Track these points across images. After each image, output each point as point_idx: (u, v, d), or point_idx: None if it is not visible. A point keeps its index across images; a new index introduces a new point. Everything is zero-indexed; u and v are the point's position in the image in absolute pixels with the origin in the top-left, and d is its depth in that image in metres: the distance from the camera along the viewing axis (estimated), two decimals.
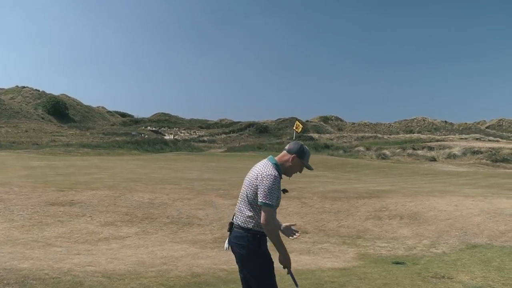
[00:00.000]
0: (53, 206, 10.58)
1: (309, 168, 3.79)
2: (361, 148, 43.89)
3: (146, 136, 60.64)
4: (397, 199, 12.11)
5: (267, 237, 3.68)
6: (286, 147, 3.78)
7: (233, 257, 8.19)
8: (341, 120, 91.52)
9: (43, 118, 68.02)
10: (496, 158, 35.48)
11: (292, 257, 8.55)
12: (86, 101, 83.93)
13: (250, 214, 3.54)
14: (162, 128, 76.77)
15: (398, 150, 41.13)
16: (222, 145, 61.63)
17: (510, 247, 8.75)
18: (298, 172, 3.80)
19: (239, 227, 3.62)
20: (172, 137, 65.18)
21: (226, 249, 3.79)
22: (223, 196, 12.15)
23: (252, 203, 3.54)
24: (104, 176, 16.57)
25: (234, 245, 3.67)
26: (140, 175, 17.23)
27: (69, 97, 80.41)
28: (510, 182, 20.04)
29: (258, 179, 3.51)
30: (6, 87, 78.64)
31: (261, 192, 3.47)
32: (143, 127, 74.97)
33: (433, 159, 36.82)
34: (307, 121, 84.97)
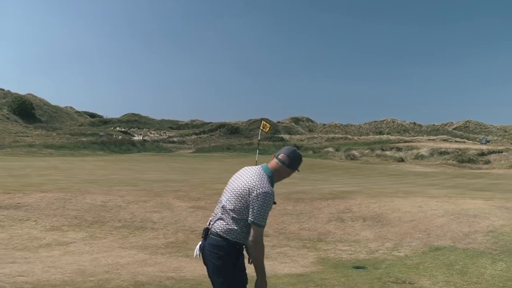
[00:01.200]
0: None
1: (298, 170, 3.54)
2: (331, 149, 43.87)
3: (119, 137, 59.35)
4: (361, 200, 11.80)
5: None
6: (280, 157, 3.41)
7: (183, 263, 7.70)
8: (312, 121, 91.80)
9: (8, 118, 65.95)
10: (462, 159, 35.88)
11: (247, 262, 8.05)
12: (54, 101, 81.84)
13: (235, 227, 3.21)
14: (132, 129, 75.48)
15: (367, 151, 41.21)
16: (192, 146, 60.91)
17: (474, 249, 8.52)
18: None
19: (218, 235, 3.25)
20: (141, 138, 64.07)
21: (196, 256, 3.43)
22: (181, 198, 11.63)
23: (239, 217, 3.21)
24: (60, 177, 15.83)
25: (209, 255, 3.28)
26: (98, 177, 16.54)
27: (35, 96, 78.23)
28: (475, 182, 20.12)
29: (252, 195, 3.18)
30: None
31: (255, 211, 3.16)
32: (112, 128, 73.56)
33: (401, 160, 36.99)
34: (278, 122, 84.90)
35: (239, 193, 3.23)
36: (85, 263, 7.00)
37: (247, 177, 3.30)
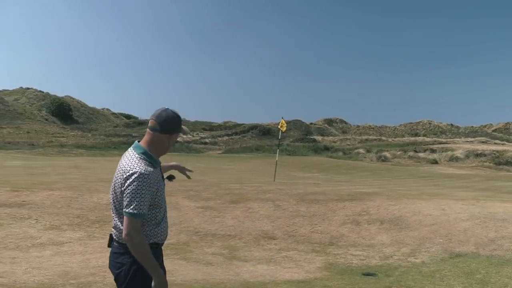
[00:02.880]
0: (0, 207, 9.69)
1: (185, 132, 2.98)
2: (361, 150, 42.75)
3: None
4: (380, 202, 11.10)
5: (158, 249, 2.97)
6: (149, 124, 2.82)
7: (178, 266, 7.25)
8: (346, 123, 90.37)
9: (46, 120, 67.37)
10: (500, 161, 34.26)
11: (248, 266, 7.48)
12: (91, 103, 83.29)
13: None
14: None
15: (399, 153, 39.94)
16: (224, 147, 60.76)
17: (499, 256, 7.78)
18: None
19: (118, 242, 2.80)
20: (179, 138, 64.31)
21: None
22: (191, 197, 11.22)
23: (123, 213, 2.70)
24: (76, 176, 15.71)
25: (112, 264, 2.85)
26: None
27: (73, 98, 79.74)
28: (510, 185, 18.96)
29: (125, 183, 2.65)
30: (10, 88, 78.06)
31: (125, 199, 2.63)
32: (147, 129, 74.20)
33: (435, 162, 35.64)
34: (311, 123, 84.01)
35: (116, 187, 2.74)
36: (73, 265, 6.66)
37: (120, 166, 2.77)
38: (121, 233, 2.71)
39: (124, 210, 2.64)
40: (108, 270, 6.52)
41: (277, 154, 18.99)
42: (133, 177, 2.62)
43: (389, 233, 9.35)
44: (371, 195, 12.16)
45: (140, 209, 2.62)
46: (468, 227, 9.18)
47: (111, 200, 2.82)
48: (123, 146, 43.99)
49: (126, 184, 2.63)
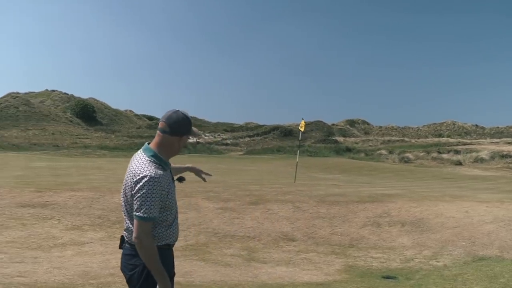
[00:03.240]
0: (24, 207, 9.86)
1: (196, 134, 2.94)
2: (384, 152, 42.20)
3: None
4: (401, 204, 10.96)
5: (170, 250, 2.91)
6: (160, 126, 2.79)
7: (196, 267, 7.27)
8: (368, 124, 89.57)
9: (71, 121, 68.43)
10: None
11: (267, 268, 7.45)
12: (114, 105, 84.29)
13: None
14: None
15: (422, 154, 39.25)
16: (245, 148, 60.85)
17: None
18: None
19: (129, 244, 2.78)
20: (195, 140, 64.69)
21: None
22: (211, 198, 11.24)
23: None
24: (99, 177, 15.91)
25: (124, 266, 2.83)
26: None
27: (97, 100, 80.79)
28: None
29: (135, 187, 2.64)
30: (36, 90, 79.58)
31: (136, 202, 2.62)
32: None
33: (459, 163, 34.92)
34: (333, 124, 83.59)
35: (126, 190, 2.73)
36: (93, 265, 6.73)
37: (130, 168, 2.76)
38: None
39: (134, 213, 2.63)
40: None
41: (298, 155, 18.96)
42: (143, 181, 2.61)
43: (410, 236, 9.22)
44: (392, 196, 12.01)
45: (151, 213, 2.61)
46: (492, 230, 9.00)
47: (122, 203, 2.82)
48: None
49: (137, 188, 2.62)
